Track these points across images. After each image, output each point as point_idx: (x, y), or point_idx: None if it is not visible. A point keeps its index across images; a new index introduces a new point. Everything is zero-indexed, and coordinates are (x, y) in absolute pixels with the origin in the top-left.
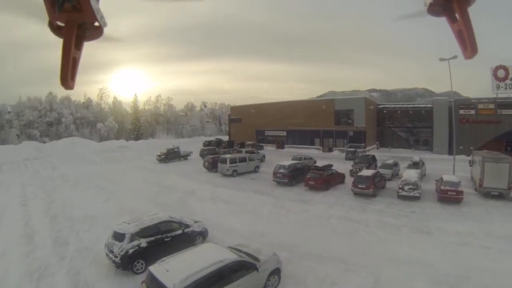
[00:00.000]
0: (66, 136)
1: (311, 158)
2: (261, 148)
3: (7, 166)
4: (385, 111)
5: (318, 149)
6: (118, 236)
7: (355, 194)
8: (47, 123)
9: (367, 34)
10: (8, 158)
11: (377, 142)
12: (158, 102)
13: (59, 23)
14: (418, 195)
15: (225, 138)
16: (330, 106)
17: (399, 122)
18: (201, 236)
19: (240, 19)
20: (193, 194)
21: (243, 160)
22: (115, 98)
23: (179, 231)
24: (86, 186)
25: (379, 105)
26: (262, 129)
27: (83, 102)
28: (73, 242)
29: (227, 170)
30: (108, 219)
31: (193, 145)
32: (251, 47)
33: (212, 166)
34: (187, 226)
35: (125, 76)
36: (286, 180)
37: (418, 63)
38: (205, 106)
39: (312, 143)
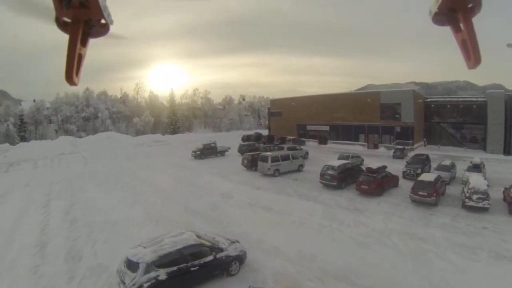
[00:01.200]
0: (102, 130)
1: (358, 157)
2: (303, 143)
3: (42, 161)
4: (432, 105)
5: (363, 145)
6: (132, 265)
7: (413, 201)
8: (84, 118)
9: (406, 25)
10: (44, 153)
11: (424, 139)
12: (195, 95)
13: (66, 19)
14: (488, 206)
15: (265, 132)
16: (376, 100)
17: (448, 117)
18: (238, 261)
19: (278, 12)
20: (229, 198)
21: (286, 158)
22: (151, 92)
23: (210, 257)
24: (114, 185)
25: (427, 98)
26: (304, 123)
27: (120, 97)
28: (87, 256)
29: (268, 169)
30: (130, 228)
31: (231, 140)
32: (290, 40)
33: (251, 165)
34: (220, 250)
35: (161, 72)
36: (335, 183)
37: (458, 55)
38: (244, 99)
39: (357, 139)
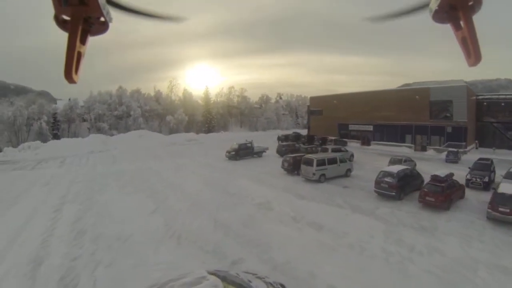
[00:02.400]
0: (134, 129)
1: (411, 160)
2: (345, 144)
3: (71, 159)
4: (485, 103)
5: (409, 147)
6: None
7: (491, 219)
8: (116, 116)
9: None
10: (74, 151)
11: (476, 141)
12: (231, 93)
13: (65, 17)
14: None
15: (303, 132)
16: (425, 97)
17: (502, 116)
18: None
19: (312, 11)
20: (268, 209)
21: (333, 161)
22: (185, 89)
23: None
24: (137, 187)
25: (479, 95)
26: (345, 123)
27: (153, 95)
28: (83, 285)
29: (313, 174)
30: (144, 247)
31: (268, 139)
32: (324, 39)
33: (292, 168)
34: None
35: (195, 72)
36: (393, 193)
37: (498, 51)
38: (280, 98)
39: (403, 140)
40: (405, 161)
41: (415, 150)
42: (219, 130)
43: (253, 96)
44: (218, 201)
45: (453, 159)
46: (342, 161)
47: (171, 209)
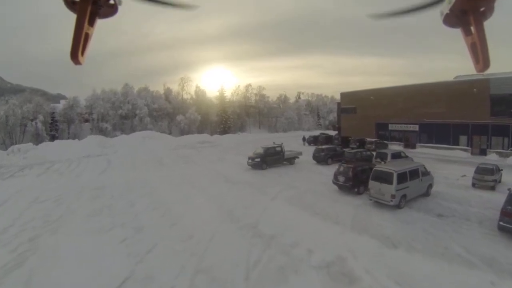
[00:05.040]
0: (140, 129)
1: (501, 169)
2: (386, 146)
3: (59, 165)
4: None
5: (465, 150)
6: None
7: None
8: (121, 115)
9: None
10: (68, 154)
11: None
12: (248, 92)
13: None
14: None
15: (329, 132)
16: (484, 89)
17: None
18: None
19: (326, 12)
20: (349, 281)
21: (414, 174)
22: (198, 86)
23: None
24: (113, 220)
25: None
26: (385, 122)
27: (163, 93)
28: None
29: (393, 197)
30: None
31: (291, 141)
32: (339, 41)
33: (352, 184)
34: None
35: (209, 75)
36: None
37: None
38: (300, 98)
39: (456, 142)
40: (498, 170)
41: (472, 153)
42: (235, 131)
43: (271, 97)
44: (247, 262)
45: None
46: (424, 173)
47: (157, 272)
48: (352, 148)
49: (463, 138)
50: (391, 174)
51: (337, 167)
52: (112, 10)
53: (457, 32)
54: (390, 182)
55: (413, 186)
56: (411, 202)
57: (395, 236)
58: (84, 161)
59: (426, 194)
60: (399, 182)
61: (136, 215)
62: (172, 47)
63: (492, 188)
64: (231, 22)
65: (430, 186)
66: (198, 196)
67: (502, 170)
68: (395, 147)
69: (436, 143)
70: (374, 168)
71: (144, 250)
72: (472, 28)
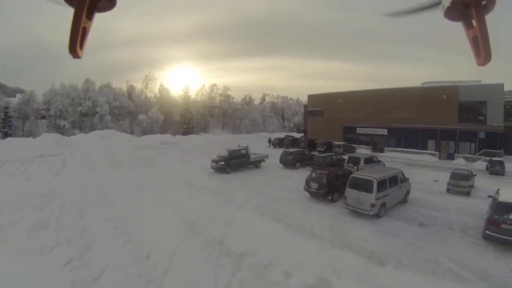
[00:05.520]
0: (100, 128)
1: (474, 175)
2: (354, 150)
3: (9, 165)
4: (507, 106)
5: (433, 154)
6: None
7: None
8: (81, 113)
9: (418, 27)
10: (21, 153)
11: (502, 148)
12: (213, 92)
13: None
14: None
15: (294, 135)
16: (453, 96)
17: None
18: None
19: (292, 14)
20: None
21: (394, 181)
22: (162, 85)
23: None
24: (61, 234)
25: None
26: (353, 125)
27: (126, 90)
28: None
29: (372, 206)
30: None
31: (255, 143)
32: (305, 44)
33: (326, 192)
34: None
35: (175, 74)
36: None
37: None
38: (265, 99)
39: (424, 147)
40: (472, 176)
41: (440, 158)
42: (199, 131)
43: (235, 98)
44: None
45: (499, 170)
46: (402, 180)
47: None
48: (320, 152)
49: (431, 143)
50: (370, 182)
51: (309, 172)
52: (110, 4)
53: (422, 40)
54: (370, 191)
55: (392, 193)
56: (389, 210)
57: (380, 251)
58: (37, 161)
59: (404, 201)
60: (379, 190)
61: (86, 229)
62: (139, 44)
63: (467, 194)
64: (199, 21)
65: (408, 192)
66: (157, 204)
67: (475, 175)
68: (362, 150)
69: (404, 148)
70: (352, 175)
71: (91, 276)
72: (474, 22)
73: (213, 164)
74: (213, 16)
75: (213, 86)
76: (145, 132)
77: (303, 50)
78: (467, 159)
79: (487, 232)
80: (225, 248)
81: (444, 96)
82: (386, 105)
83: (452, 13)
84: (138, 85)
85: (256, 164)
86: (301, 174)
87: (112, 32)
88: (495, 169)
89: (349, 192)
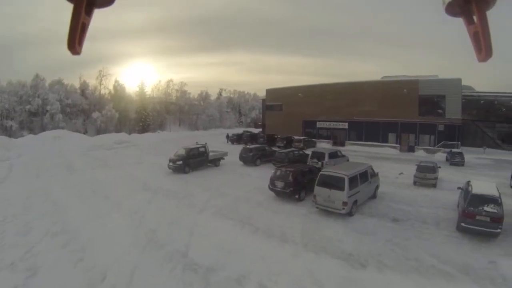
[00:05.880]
0: (51, 128)
1: (439, 167)
2: (314, 144)
3: None
4: (463, 100)
5: (394, 147)
6: None
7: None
8: (30, 112)
9: (375, 24)
10: None
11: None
12: (169, 87)
13: None
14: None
15: (252, 130)
16: (413, 90)
17: (482, 115)
18: None
19: (251, 11)
20: None
21: (364, 177)
22: (117, 81)
23: None
24: (3, 255)
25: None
26: (313, 120)
27: (78, 87)
28: None
29: (344, 204)
30: None
31: (213, 140)
32: (262, 39)
33: (293, 190)
34: None
35: (132, 69)
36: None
37: (436, 54)
38: (221, 94)
39: (385, 140)
40: (437, 168)
41: (401, 151)
42: (155, 129)
43: (192, 94)
44: None
45: (459, 161)
46: (372, 175)
47: None
48: (279, 147)
49: (392, 136)
50: (341, 179)
51: (273, 170)
52: None
53: (381, 36)
54: (341, 188)
55: (363, 190)
56: (361, 207)
57: (359, 252)
58: None
59: (374, 196)
60: (350, 187)
61: (31, 248)
62: (93, 37)
63: (434, 186)
64: (154, 15)
65: (377, 187)
66: (112, 212)
67: (440, 167)
68: (323, 145)
69: (365, 141)
70: (321, 173)
71: None
72: (475, 17)
73: (170, 164)
74: (168, 10)
75: (169, 81)
76: (99, 131)
77: (259, 45)
78: (427, 151)
79: (463, 224)
80: (190, 261)
81: (405, 90)
82: (346, 98)
83: (452, 9)
84: (92, 82)
85: (215, 162)
86: (263, 172)
87: (63, 24)
88: (455, 160)
89: (319, 190)
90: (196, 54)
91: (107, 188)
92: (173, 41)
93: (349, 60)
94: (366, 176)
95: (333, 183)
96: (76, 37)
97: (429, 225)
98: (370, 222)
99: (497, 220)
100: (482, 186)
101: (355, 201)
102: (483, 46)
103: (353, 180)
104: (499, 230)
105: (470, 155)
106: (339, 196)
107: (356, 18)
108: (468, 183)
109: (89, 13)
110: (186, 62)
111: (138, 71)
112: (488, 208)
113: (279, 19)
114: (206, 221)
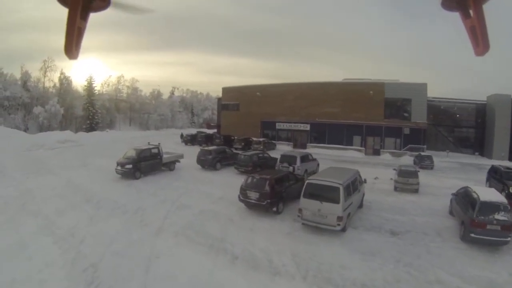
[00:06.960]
0: None
1: (418, 171)
2: (274, 147)
3: None
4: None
5: (359, 150)
6: None
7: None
8: None
9: (324, 31)
10: None
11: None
12: (120, 83)
13: None
14: None
15: (205, 131)
16: (379, 93)
17: (442, 119)
18: None
19: (204, 11)
20: None
21: (355, 185)
22: (63, 73)
23: None
24: None
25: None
26: (272, 120)
27: (19, 78)
28: None
29: (339, 220)
30: None
31: (166, 140)
32: (215, 40)
33: (271, 202)
34: None
35: (81, 65)
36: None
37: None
38: (173, 93)
39: (350, 142)
40: (415, 172)
41: (366, 154)
42: (104, 128)
43: (144, 92)
44: None
45: (428, 164)
46: (361, 182)
47: None
48: (236, 149)
49: (357, 139)
50: (336, 189)
51: (245, 178)
52: (104, 3)
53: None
54: (335, 200)
55: (355, 200)
56: (351, 219)
57: (373, 282)
58: None
59: (360, 205)
60: (345, 198)
61: None
62: (40, 29)
63: (416, 191)
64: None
65: (363, 195)
66: (41, 236)
67: (419, 171)
68: (283, 147)
69: (328, 144)
70: (308, 181)
71: None
72: (471, 11)
73: (118, 168)
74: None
75: (120, 77)
76: (42, 128)
77: (212, 45)
78: (393, 154)
79: (472, 235)
80: None
81: (371, 92)
82: (308, 99)
83: (449, 3)
84: (35, 73)
85: (170, 165)
86: (225, 177)
87: (8, 12)
88: (425, 164)
89: (306, 203)
90: (147, 52)
91: (39, 201)
92: (123, 38)
93: (303, 67)
94: (356, 183)
95: (324, 194)
96: (73, 42)
97: (432, 236)
98: (368, 238)
99: (508, 228)
100: (487, 192)
101: (349, 214)
102: (480, 40)
103: (347, 190)
104: (509, 239)
105: (436, 158)
106: (333, 210)
107: (310, 23)
108: (466, 189)
109: (84, 17)
110: (136, 59)
111: (88, 66)
112: (499, 216)
113: (230, 20)
114: (166, 247)
